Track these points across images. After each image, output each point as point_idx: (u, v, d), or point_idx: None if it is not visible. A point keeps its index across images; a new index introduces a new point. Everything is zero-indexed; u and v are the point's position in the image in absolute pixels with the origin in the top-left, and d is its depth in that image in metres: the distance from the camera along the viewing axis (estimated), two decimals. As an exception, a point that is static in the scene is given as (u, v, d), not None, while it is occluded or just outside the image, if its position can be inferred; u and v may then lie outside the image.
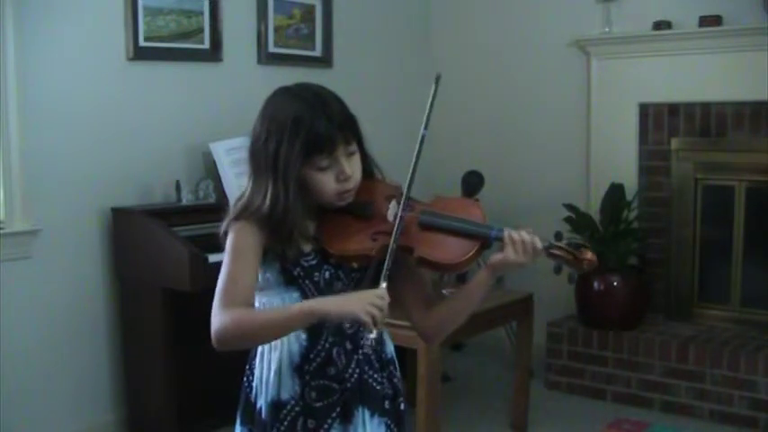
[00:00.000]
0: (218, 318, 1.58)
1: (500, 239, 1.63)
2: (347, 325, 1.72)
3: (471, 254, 1.63)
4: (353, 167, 1.67)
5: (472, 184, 4.56)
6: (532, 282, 4.17)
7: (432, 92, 1.72)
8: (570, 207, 4.29)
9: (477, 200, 4.52)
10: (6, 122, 3.32)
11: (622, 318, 4.21)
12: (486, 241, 1.64)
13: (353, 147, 1.67)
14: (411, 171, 1.69)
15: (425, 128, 1.70)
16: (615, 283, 4.19)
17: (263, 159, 1.64)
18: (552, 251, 1.65)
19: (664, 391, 4.04)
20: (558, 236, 1.69)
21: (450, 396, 4.16)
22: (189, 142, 3.89)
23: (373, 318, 1.52)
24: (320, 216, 1.71)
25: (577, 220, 4.26)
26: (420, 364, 3.30)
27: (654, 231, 4.44)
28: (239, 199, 1.70)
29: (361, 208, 1.71)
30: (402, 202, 1.66)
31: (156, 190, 3.81)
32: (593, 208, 4.42)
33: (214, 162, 3.75)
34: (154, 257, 3.44)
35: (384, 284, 1.59)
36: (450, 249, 1.64)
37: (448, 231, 1.66)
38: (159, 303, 3.43)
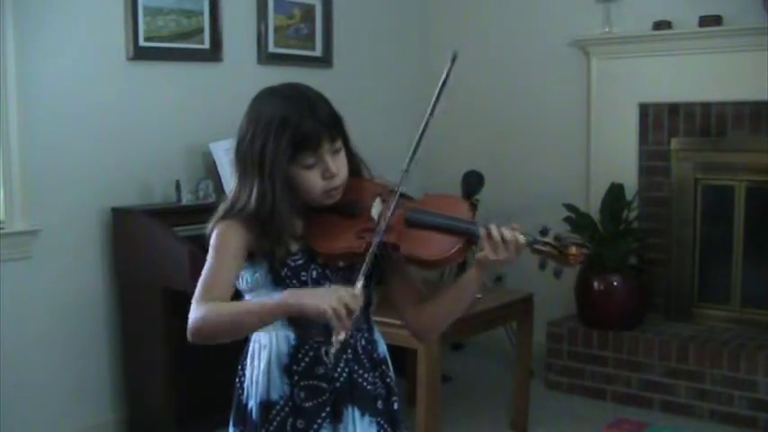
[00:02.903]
0: (195, 313, 1.59)
1: (490, 235, 1.62)
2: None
3: (456, 250, 1.63)
4: (339, 165, 1.67)
5: (472, 184, 4.55)
6: (532, 282, 4.17)
7: (445, 71, 1.69)
8: (570, 207, 4.29)
9: (477, 200, 4.52)
10: (6, 122, 3.32)
11: (622, 318, 4.21)
12: (471, 237, 1.63)
13: (339, 144, 1.68)
14: (410, 154, 1.67)
15: (431, 114, 1.68)
16: (615, 283, 4.19)
17: (250, 158, 1.65)
18: (536, 246, 1.63)
19: (664, 391, 4.04)
20: (544, 231, 1.65)
21: (451, 396, 4.16)
22: (189, 142, 3.89)
23: (339, 317, 1.49)
24: (307, 215, 1.71)
25: (577, 220, 4.26)
26: (420, 364, 3.30)
27: (654, 231, 4.43)
28: (225, 200, 1.70)
29: (348, 206, 1.71)
30: (395, 197, 1.65)
31: (156, 190, 3.81)
32: (593, 208, 4.42)
33: (214, 162, 3.75)
34: (154, 257, 3.44)
35: (360, 284, 1.57)
36: (436, 246, 1.64)
37: (433, 228, 1.65)
38: (159, 303, 3.43)
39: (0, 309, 3.30)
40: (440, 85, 1.68)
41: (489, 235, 1.61)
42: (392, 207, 1.65)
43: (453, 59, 1.69)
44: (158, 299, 3.43)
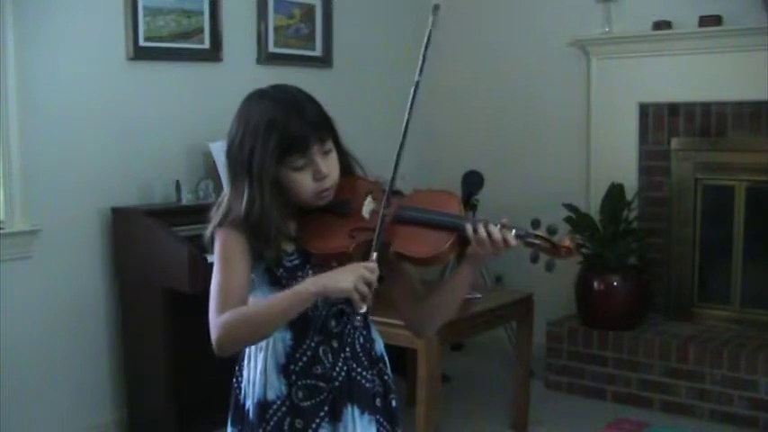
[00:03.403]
0: (215, 324, 1.59)
1: (476, 232, 1.62)
2: (333, 323, 1.72)
3: (447, 246, 1.62)
4: (330, 166, 1.67)
5: (472, 184, 4.56)
6: (532, 282, 4.18)
7: (429, 26, 1.69)
8: (570, 207, 4.29)
9: (477, 200, 4.52)
10: (6, 122, 3.32)
11: (622, 318, 4.21)
12: (462, 233, 1.63)
13: (329, 145, 1.67)
14: (402, 134, 1.67)
15: (420, 73, 1.68)
16: (615, 283, 4.19)
17: (239, 163, 1.64)
18: (528, 240, 1.62)
19: (664, 391, 4.04)
20: (536, 223, 1.64)
21: (451, 396, 4.16)
22: (189, 142, 3.89)
23: (362, 295, 1.55)
24: (301, 216, 1.71)
25: (577, 220, 4.26)
26: (420, 364, 3.30)
27: (654, 231, 4.43)
28: (219, 204, 1.70)
29: (340, 206, 1.70)
30: (385, 197, 1.65)
31: (156, 190, 3.81)
32: (594, 208, 4.42)
33: (214, 162, 3.75)
34: (154, 257, 3.44)
35: (374, 255, 1.60)
36: (426, 242, 1.63)
37: (423, 224, 1.65)
38: (159, 303, 3.43)
39: (0, 309, 3.30)
40: (423, 48, 1.68)
41: (475, 231, 1.61)
42: (382, 207, 1.64)
43: (434, 12, 1.70)
44: (158, 299, 3.42)
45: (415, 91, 1.68)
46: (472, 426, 3.91)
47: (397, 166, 1.68)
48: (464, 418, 3.99)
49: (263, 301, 1.64)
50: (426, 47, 1.69)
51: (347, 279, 1.54)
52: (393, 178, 1.67)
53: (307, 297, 1.57)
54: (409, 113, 1.68)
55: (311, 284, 1.57)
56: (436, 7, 1.70)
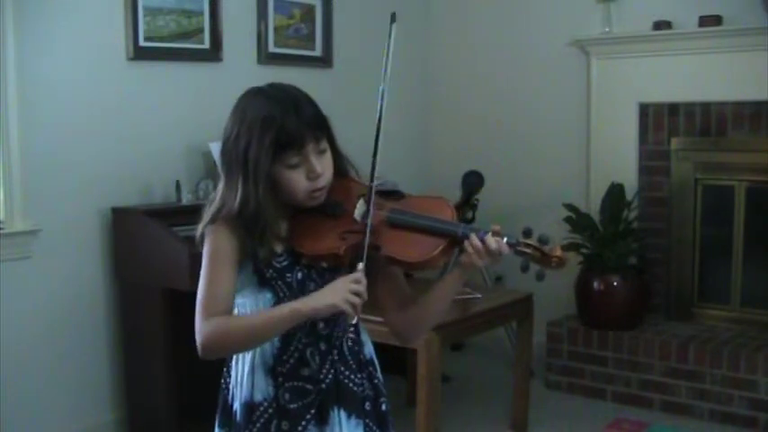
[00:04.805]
0: (201, 329, 1.60)
1: (468, 239, 1.61)
2: (321, 325, 1.71)
3: (438, 252, 1.62)
4: (324, 166, 1.66)
5: (472, 184, 4.55)
6: (532, 282, 4.17)
7: (389, 36, 1.70)
8: (570, 207, 4.29)
9: (477, 200, 4.52)
10: (6, 122, 3.32)
11: (622, 318, 4.21)
12: (454, 239, 1.62)
13: (324, 145, 1.67)
14: (375, 135, 1.68)
15: (384, 81, 1.68)
16: (615, 283, 4.19)
17: (234, 158, 1.64)
18: (519, 248, 1.61)
19: (664, 391, 4.04)
20: (527, 232, 1.63)
21: (451, 396, 4.16)
22: (189, 142, 3.89)
23: (353, 305, 1.55)
24: (292, 216, 1.70)
25: (577, 220, 4.26)
26: (420, 364, 3.29)
27: (654, 231, 4.44)
28: (212, 201, 1.69)
29: (332, 207, 1.70)
30: (371, 198, 1.65)
31: (156, 190, 3.81)
32: (594, 208, 4.42)
33: (214, 162, 3.75)
34: (154, 257, 3.44)
35: (361, 265, 1.59)
36: (417, 247, 1.63)
37: (416, 229, 1.65)
38: (159, 303, 3.43)
39: (0, 309, 3.30)
40: (385, 57, 1.70)
41: (467, 238, 1.61)
42: (370, 208, 1.63)
43: (392, 20, 1.71)
44: (158, 299, 3.43)
45: (382, 100, 1.68)
46: (472, 426, 3.91)
47: (373, 169, 1.68)
48: (464, 418, 3.99)
49: (252, 316, 1.65)
50: (387, 57, 1.71)
51: (337, 296, 1.55)
52: (372, 180, 1.67)
53: (297, 319, 1.59)
54: (378, 123, 1.68)
55: (301, 306, 1.57)
56: (393, 17, 1.70)
